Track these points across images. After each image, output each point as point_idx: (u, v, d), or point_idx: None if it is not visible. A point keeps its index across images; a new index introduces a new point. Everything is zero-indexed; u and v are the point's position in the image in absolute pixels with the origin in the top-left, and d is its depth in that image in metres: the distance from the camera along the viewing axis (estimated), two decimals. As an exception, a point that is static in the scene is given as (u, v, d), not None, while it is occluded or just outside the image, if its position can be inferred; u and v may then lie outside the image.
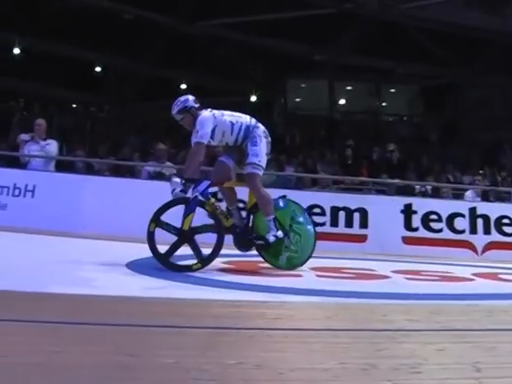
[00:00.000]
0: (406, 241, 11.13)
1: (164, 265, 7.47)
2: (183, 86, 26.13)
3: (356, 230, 11.07)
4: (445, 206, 11.50)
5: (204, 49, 23.90)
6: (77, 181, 11.50)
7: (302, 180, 13.98)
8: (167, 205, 7.67)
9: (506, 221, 11.29)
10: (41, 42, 23.57)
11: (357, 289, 6.76)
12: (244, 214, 8.17)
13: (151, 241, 7.53)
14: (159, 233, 7.56)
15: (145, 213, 9.62)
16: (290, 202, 8.38)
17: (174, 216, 7.64)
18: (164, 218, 7.60)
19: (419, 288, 7.13)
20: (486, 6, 20.46)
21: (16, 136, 16.20)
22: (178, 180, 7.60)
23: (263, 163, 7.85)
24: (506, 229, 11.28)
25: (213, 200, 7.91)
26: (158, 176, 12.29)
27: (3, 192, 11.27)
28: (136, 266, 7.58)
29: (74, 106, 26.01)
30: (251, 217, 8.01)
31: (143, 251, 7.76)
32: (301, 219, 8.12)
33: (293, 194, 10.76)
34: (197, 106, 8.00)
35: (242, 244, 7.96)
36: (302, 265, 8.00)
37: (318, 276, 7.76)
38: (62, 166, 12.62)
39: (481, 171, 17.88)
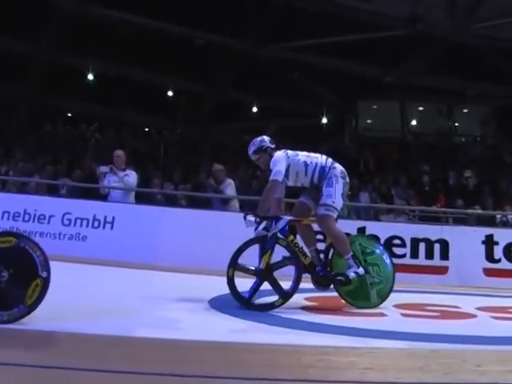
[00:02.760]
0: (488, 272, 10.88)
1: (248, 308, 7.47)
2: (254, 109, 26.28)
3: (437, 261, 10.89)
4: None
5: (275, 71, 23.99)
6: (155, 212, 11.59)
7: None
8: (244, 246, 7.69)
9: None
10: (114, 67, 23.98)
11: (445, 331, 6.60)
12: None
13: (232, 286, 7.57)
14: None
15: (222, 244, 9.88)
16: (353, 237, 8.45)
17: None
18: (241, 260, 7.64)
19: (507, 329, 6.93)
20: None
21: (91, 162, 16.70)
22: (252, 219, 7.65)
23: (337, 204, 7.83)
24: None
25: (292, 237, 7.88)
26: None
27: (83, 224, 11.44)
28: (219, 304, 7.62)
29: (147, 129, 26.35)
30: (329, 256, 7.98)
31: (223, 285, 7.76)
32: (371, 248, 8.08)
33: (372, 226, 10.77)
34: (272, 146, 8.11)
35: (321, 282, 7.93)
36: (390, 292, 7.93)
37: (402, 315, 7.64)
38: (141, 196, 12.70)
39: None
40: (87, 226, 11.43)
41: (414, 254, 10.85)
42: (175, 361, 5.11)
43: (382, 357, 5.56)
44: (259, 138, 8.13)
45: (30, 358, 4.76)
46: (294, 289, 7.56)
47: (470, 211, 13.02)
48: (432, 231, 11.13)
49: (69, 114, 26.88)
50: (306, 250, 7.96)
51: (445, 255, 10.91)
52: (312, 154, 8.10)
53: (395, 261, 8.84)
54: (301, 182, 7.99)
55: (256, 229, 7.68)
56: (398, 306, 8.05)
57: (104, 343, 5.50)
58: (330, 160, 8.04)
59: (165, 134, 24.82)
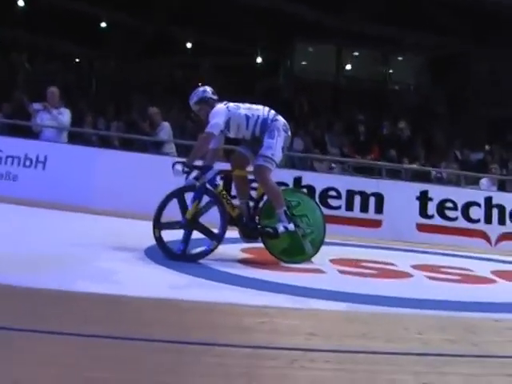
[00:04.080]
0: (421, 228, 11.04)
1: (185, 260, 7.39)
2: (189, 45, 25.79)
3: (371, 214, 10.98)
4: (461, 195, 11.37)
5: (210, 7, 23.43)
6: (89, 153, 11.36)
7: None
8: (164, 203, 7.56)
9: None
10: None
11: (384, 292, 6.66)
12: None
13: (163, 246, 7.49)
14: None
15: (157, 188, 9.73)
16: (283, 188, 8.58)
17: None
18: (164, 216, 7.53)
19: (443, 291, 7.02)
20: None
21: (22, 95, 16.14)
22: (180, 168, 7.49)
23: (276, 157, 7.74)
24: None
25: (220, 188, 7.82)
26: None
27: (14, 162, 11.10)
28: (155, 254, 7.50)
29: (78, 61, 25.63)
30: (259, 208, 7.92)
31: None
32: (296, 200, 8.00)
33: (308, 176, 10.75)
34: (215, 97, 7.98)
35: (249, 234, 7.89)
36: (323, 240, 7.93)
37: (340, 272, 7.70)
38: (74, 135, 12.36)
39: (487, 146, 17.79)
40: (18, 164, 11.10)
41: (350, 207, 10.91)
42: (115, 320, 4.99)
43: (325, 320, 5.57)
44: (201, 89, 7.99)
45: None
46: (224, 230, 7.49)
47: (406, 166, 13.11)
48: (368, 184, 11.20)
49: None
50: (236, 202, 7.89)
51: (379, 209, 11.01)
52: (254, 106, 7.97)
53: (330, 212, 8.89)
54: (242, 134, 7.88)
55: (186, 178, 7.57)
56: (334, 262, 8.12)
57: (39, 299, 5.35)
58: (273, 112, 7.92)
59: (96, 66, 24.08)
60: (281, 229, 7.65)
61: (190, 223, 7.50)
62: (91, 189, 10.82)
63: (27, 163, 11.12)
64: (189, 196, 7.61)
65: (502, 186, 12.76)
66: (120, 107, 17.98)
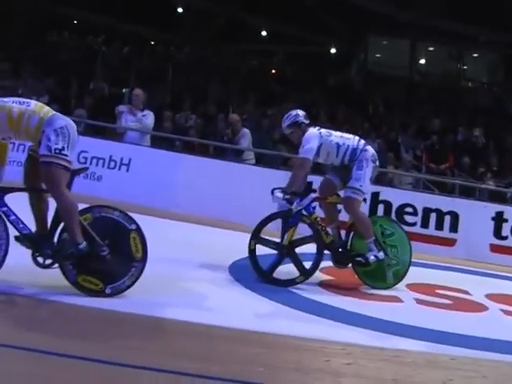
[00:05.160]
0: (494, 249, 11.14)
1: (268, 281, 7.72)
2: (263, 33, 25.97)
3: (446, 233, 11.13)
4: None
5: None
6: (173, 158, 11.69)
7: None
8: (267, 219, 7.90)
9: None
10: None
11: (461, 330, 6.82)
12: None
13: (254, 260, 7.80)
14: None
15: (236, 196, 10.08)
16: (375, 218, 8.85)
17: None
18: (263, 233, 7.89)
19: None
20: None
21: (102, 84, 16.61)
22: (280, 195, 7.77)
23: (365, 188, 8.01)
24: None
25: (316, 214, 8.05)
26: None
27: (99, 163, 11.50)
28: (239, 274, 7.88)
29: (153, 43, 25.98)
30: (350, 236, 8.17)
31: (236, 243, 8.38)
32: (391, 230, 8.27)
33: (386, 192, 10.90)
34: (307, 122, 8.22)
35: (340, 260, 8.18)
36: (406, 274, 8.19)
37: (416, 301, 7.91)
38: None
39: None
40: (103, 166, 11.50)
41: (425, 224, 11.05)
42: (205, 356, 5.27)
43: (408, 364, 5.76)
44: (294, 113, 8.22)
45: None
46: (315, 267, 7.80)
47: (483, 186, 13.17)
48: (444, 202, 11.34)
49: (75, 22, 26.39)
50: (328, 228, 8.10)
51: (454, 228, 11.14)
52: (345, 135, 8.21)
53: (406, 228, 9.05)
54: (331, 161, 8.13)
55: (283, 205, 7.80)
56: (411, 288, 8.31)
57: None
58: (363, 142, 8.15)
59: (172, 50, 24.39)
60: (371, 258, 7.92)
61: (286, 249, 7.78)
62: (173, 193, 11.12)
63: (111, 165, 11.50)
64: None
65: None
66: (196, 97, 18.20)
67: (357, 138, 8.19)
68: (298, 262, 7.79)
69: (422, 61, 25.07)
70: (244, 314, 6.56)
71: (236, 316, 6.38)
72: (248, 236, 9.30)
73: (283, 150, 13.97)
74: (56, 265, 6.14)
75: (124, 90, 18.71)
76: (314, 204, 8.13)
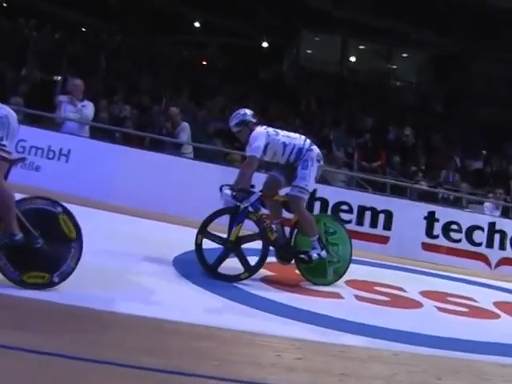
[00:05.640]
0: (426, 247, 11.55)
1: (213, 276, 7.86)
2: (197, 24, 25.97)
3: (380, 230, 11.45)
4: (465, 218, 11.88)
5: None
6: (110, 149, 11.68)
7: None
8: (215, 215, 8.03)
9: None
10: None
11: (400, 326, 7.14)
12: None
13: (200, 254, 7.91)
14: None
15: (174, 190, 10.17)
16: (319, 216, 9.04)
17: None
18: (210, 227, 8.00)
19: (455, 328, 7.51)
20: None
21: (35, 71, 16.37)
22: (228, 192, 7.95)
23: (310, 187, 8.25)
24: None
25: (261, 212, 8.23)
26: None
27: (37, 153, 11.39)
28: (185, 268, 7.97)
29: (84, 30, 25.64)
30: (294, 233, 8.38)
31: (184, 241, 8.39)
32: (334, 229, 8.52)
33: (322, 190, 11.15)
34: (254, 120, 8.37)
35: (284, 257, 8.36)
36: (346, 271, 8.47)
37: (356, 298, 8.20)
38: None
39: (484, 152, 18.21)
40: (42, 156, 11.40)
41: (360, 221, 11.36)
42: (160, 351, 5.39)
43: (354, 359, 6.00)
44: (242, 111, 8.37)
45: None
46: (260, 265, 7.98)
47: (415, 186, 13.61)
48: (378, 201, 11.70)
49: (4, 4, 25.82)
50: (273, 225, 8.29)
51: (388, 226, 11.49)
52: (291, 135, 8.40)
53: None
54: (277, 159, 8.29)
55: (232, 202, 7.97)
56: (349, 284, 8.60)
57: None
58: (308, 142, 8.34)
59: (103, 38, 24.13)
60: (314, 256, 8.14)
61: (232, 245, 7.94)
62: (112, 185, 11.12)
63: (50, 155, 11.41)
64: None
65: (505, 212, 13.23)
66: (130, 87, 18.15)
67: (303, 137, 8.39)
68: (243, 259, 7.95)
69: (353, 58, 25.48)
70: (193, 308, 6.65)
71: (185, 311, 6.47)
72: (187, 229, 9.54)
73: (218, 144, 14.13)
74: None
75: (57, 78, 18.56)
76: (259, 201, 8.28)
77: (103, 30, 25.07)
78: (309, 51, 25.52)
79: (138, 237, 9.04)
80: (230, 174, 10.82)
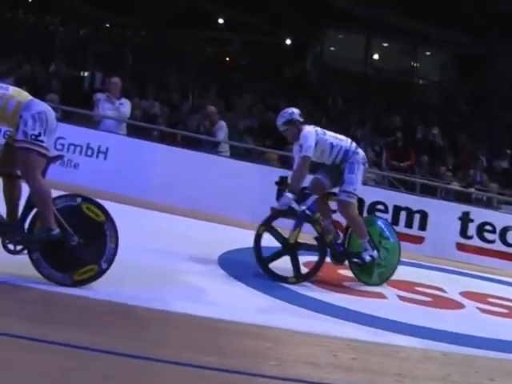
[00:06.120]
0: (460, 247, 11.66)
1: (263, 269, 8.00)
2: (220, 21, 26.07)
3: (415, 230, 11.56)
4: (499, 218, 12.00)
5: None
6: (148, 147, 11.80)
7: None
8: (279, 213, 8.12)
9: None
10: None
11: (448, 327, 7.23)
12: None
13: (257, 243, 8.01)
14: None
15: (211, 188, 10.28)
16: (378, 219, 9.03)
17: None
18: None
19: (501, 328, 7.63)
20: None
21: (63, 66, 16.51)
22: (291, 196, 7.97)
23: (358, 191, 8.35)
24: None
25: (318, 215, 8.33)
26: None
27: (76, 151, 11.52)
28: (231, 267, 8.13)
29: (108, 26, 25.79)
30: (347, 235, 8.51)
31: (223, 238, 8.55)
32: (387, 234, 8.68)
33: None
34: (301, 120, 8.43)
35: (338, 258, 8.48)
36: (389, 278, 8.61)
37: (399, 298, 8.34)
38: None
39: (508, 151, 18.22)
40: (80, 153, 11.53)
41: (395, 221, 11.44)
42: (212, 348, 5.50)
43: (406, 359, 6.12)
44: (289, 110, 8.44)
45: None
46: (311, 275, 8.10)
47: (450, 187, 13.71)
48: (413, 201, 11.81)
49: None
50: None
51: (423, 226, 11.59)
52: (338, 136, 8.49)
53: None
54: (323, 159, 8.39)
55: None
56: (390, 284, 8.71)
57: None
58: (354, 145, 8.45)
59: (129, 34, 24.28)
60: (367, 258, 8.30)
61: (290, 247, 8.05)
62: (150, 182, 11.25)
63: (89, 152, 11.54)
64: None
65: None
66: (157, 84, 18.26)
67: (349, 140, 8.48)
68: (296, 264, 8.04)
69: (376, 56, 25.54)
70: (245, 308, 6.78)
71: (238, 310, 6.60)
72: (226, 228, 9.66)
73: (250, 142, 14.24)
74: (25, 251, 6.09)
75: (83, 74, 18.70)
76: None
77: (127, 26, 25.20)
78: (332, 49, 25.61)
79: (179, 235, 9.20)
80: (267, 173, 11.15)
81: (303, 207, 8.11)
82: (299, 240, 8.11)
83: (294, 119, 8.34)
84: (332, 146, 8.28)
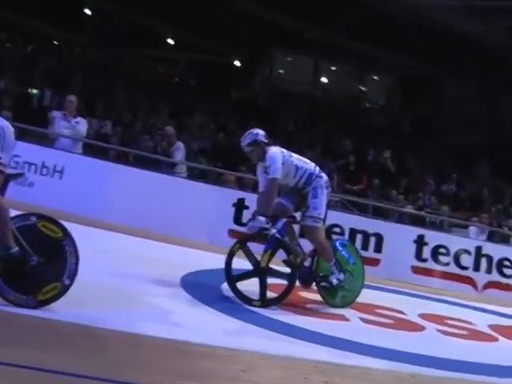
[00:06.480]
0: (415, 270, 11.84)
1: (230, 287, 7.96)
2: (170, 40, 26.08)
3: (371, 253, 11.70)
4: (453, 241, 12.21)
5: (194, 5, 23.60)
6: (104, 167, 11.69)
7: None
8: (253, 236, 8.16)
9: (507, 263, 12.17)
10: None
11: (409, 348, 7.35)
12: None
13: (229, 261, 7.96)
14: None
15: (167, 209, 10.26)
16: (348, 245, 9.19)
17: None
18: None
19: (458, 349, 7.79)
20: (479, 14, 20.63)
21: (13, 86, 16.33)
22: (263, 219, 7.97)
23: (323, 215, 8.37)
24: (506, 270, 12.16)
25: (287, 238, 8.38)
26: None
27: (31, 169, 11.37)
28: (195, 289, 8.04)
29: (56, 43, 25.49)
30: (315, 259, 8.55)
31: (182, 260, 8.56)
32: (354, 260, 8.81)
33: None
34: (266, 141, 8.45)
35: (306, 282, 8.54)
36: (351, 303, 8.68)
37: (362, 320, 8.41)
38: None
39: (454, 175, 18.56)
40: (35, 172, 11.38)
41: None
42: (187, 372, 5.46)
43: (377, 381, 6.25)
44: (254, 131, 8.45)
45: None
46: (277, 301, 8.05)
47: (405, 210, 13.94)
48: (369, 224, 11.94)
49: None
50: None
51: (378, 248, 11.75)
52: (303, 159, 8.57)
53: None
54: (287, 181, 8.40)
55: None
56: (353, 307, 8.78)
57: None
58: (318, 169, 8.51)
59: (77, 52, 24.06)
60: (334, 281, 8.41)
61: (260, 270, 8.03)
62: (106, 202, 11.15)
63: (44, 171, 11.39)
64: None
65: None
66: (107, 101, 18.18)
67: (313, 163, 8.55)
68: (263, 288, 8.01)
69: (325, 79, 25.82)
70: (213, 330, 6.75)
71: (206, 333, 6.54)
72: (183, 249, 9.64)
73: (204, 163, 14.26)
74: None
75: (33, 91, 18.50)
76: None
77: (76, 43, 24.98)
78: (281, 71, 25.78)
79: (138, 256, 9.10)
80: (225, 195, 11.19)
81: (273, 230, 8.10)
82: (270, 265, 8.10)
83: (258, 140, 8.36)
84: (297, 168, 8.33)
